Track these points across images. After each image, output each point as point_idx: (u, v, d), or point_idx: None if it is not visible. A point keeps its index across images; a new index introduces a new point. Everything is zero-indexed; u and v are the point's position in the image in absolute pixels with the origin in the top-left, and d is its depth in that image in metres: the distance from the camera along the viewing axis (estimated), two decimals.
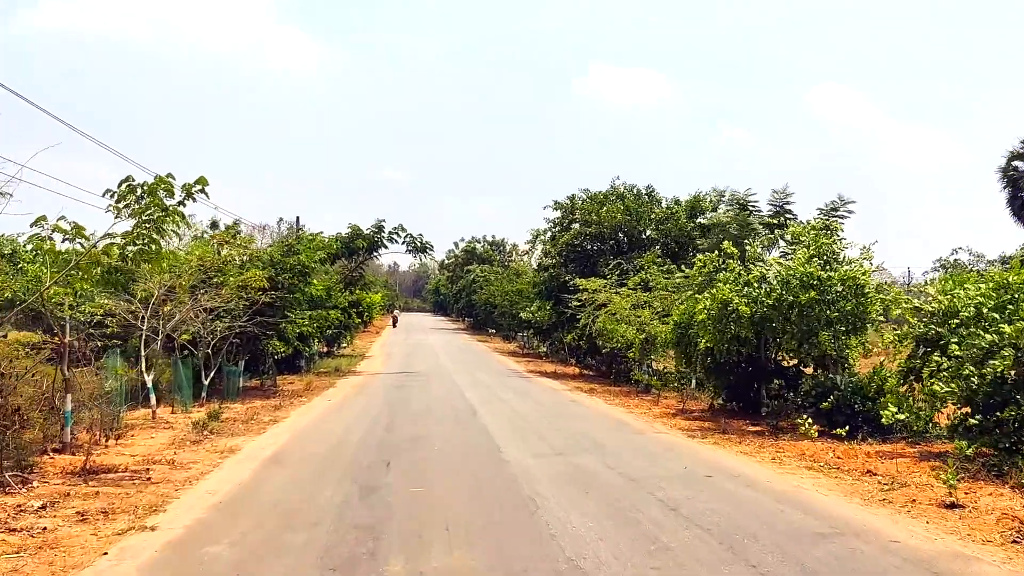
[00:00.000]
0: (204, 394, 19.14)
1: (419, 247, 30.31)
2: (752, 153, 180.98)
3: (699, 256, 18.59)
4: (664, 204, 31.49)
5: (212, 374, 19.74)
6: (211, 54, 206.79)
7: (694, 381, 23.28)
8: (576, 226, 31.13)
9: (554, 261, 31.00)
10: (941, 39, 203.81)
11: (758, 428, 16.36)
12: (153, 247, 10.46)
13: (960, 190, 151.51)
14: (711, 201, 30.26)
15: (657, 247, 29.93)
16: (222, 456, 11.79)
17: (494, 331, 64.06)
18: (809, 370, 18.81)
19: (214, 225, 29.20)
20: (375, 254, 30.49)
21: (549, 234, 32.50)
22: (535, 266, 46.68)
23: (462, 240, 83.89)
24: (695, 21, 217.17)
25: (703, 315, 15.71)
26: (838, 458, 12.83)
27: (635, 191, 31.74)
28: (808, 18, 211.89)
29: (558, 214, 32.23)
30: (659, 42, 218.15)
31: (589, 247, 31.59)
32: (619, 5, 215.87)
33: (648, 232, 30.13)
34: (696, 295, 18.28)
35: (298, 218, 30.65)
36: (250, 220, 59.54)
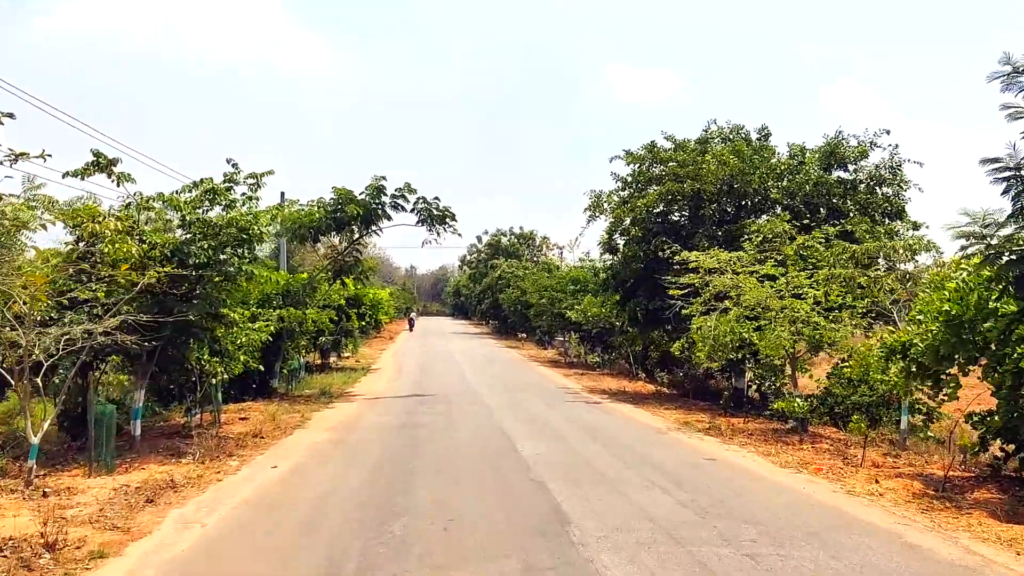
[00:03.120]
0: (32, 463, 10.07)
1: (436, 216, 21.17)
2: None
3: None
4: (785, 153, 22.11)
5: (54, 414, 10.65)
6: (223, 57, 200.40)
7: (905, 419, 13.93)
8: (655, 188, 21.83)
9: (631, 234, 21.63)
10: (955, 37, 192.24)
11: None
12: None
13: None
14: (859, 146, 20.85)
15: (778, 210, 20.60)
16: None
17: (524, 335, 54.81)
18: None
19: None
20: (374, 228, 21.38)
21: (616, 198, 23.19)
22: (585, 252, 37.30)
23: (485, 233, 74.61)
24: (712, 19, 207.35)
25: None
26: None
27: (743, 133, 22.35)
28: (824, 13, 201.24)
29: (631, 169, 22.90)
30: (676, 41, 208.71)
31: (677, 216, 22.25)
32: (636, 5, 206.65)
33: (767, 191, 20.72)
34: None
35: (283, 193, 21.64)
36: None
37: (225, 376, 15.39)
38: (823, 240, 15.46)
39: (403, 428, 14.90)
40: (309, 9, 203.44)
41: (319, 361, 31.57)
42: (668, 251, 18.00)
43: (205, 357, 14.37)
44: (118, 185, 11.36)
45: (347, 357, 36.55)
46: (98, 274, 11.53)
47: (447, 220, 21.47)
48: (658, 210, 22.01)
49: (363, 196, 20.88)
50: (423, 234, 21.67)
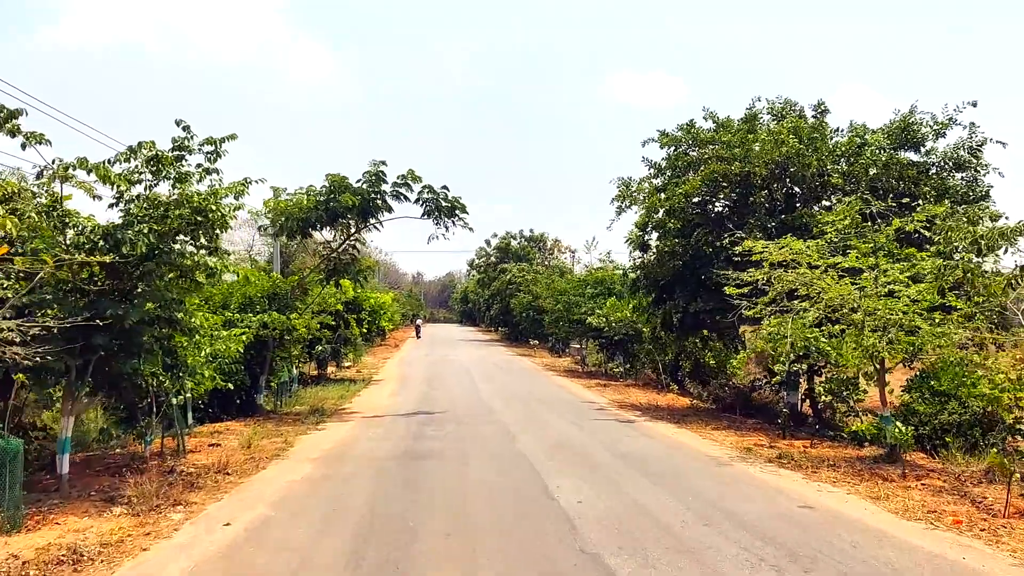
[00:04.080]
0: None
1: (444, 208, 18.38)
2: None
3: None
4: (845, 132, 19.22)
5: None
6: (225, 64, 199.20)
7: None
8: (695, 173, 18.96)
9: (668, 227, 18.78)
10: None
11: None
12: None
13: None
14: (937, 123, 17.95)
15: (835, 196, 17.78)
16: None
17: (536, 342, 51.90)
18: None
19: None
20: (373, 222, 18.60)
21: (648, 186, 20.32)
22: (604, 252, 34.50)
23: (494, 236, 71.78)
24: (713, 25, 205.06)
25: None
26: None
27: (796, 109, 19.45)
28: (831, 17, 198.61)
29: (665, 153, 20.06)
30: (677, 47, 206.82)
31: (720, 205, 19.38)
32: (638, 10, 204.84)
33: (827, 175, 17.83)
34: None
35: (275, 189, 18.86)
36: None
37: (188, 395, 12.60)
38: (925, 223, 12.52)
39: (404, 459, 12.04)
40: (310, 14, 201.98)
41: (316, 372, 28.81)
42: (726, 240, 15.06)
43: (160, 372, 11.60)
44: (24, 148, 8.60)
45: (347, 367, 33.79)
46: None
47: (456, 212, 18.69)
48: (697, 199, 19.15)
49: (360, 184, 18.14)
50: (429, 229, 18.89)
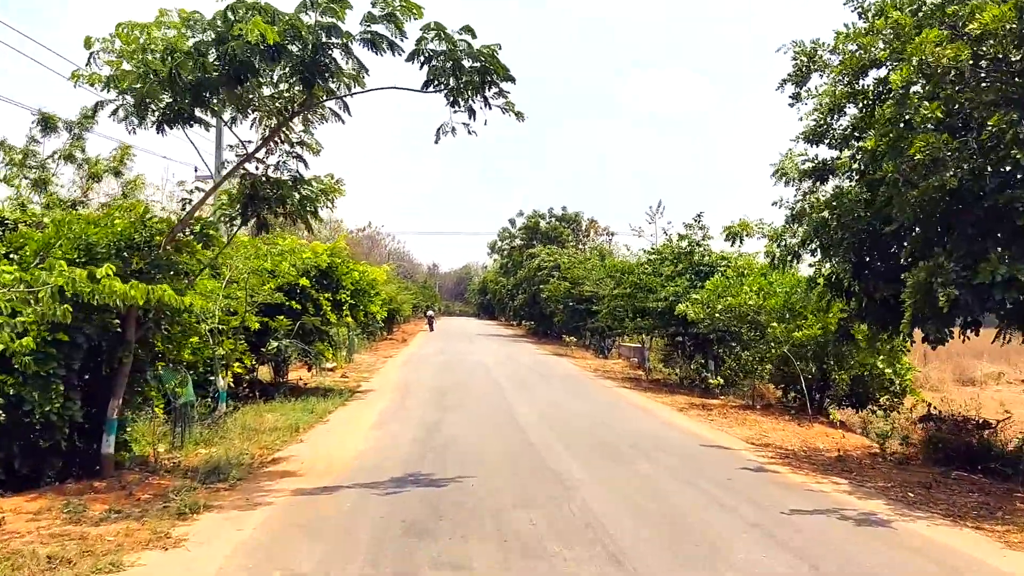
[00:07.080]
0: None
1: (469, 72, 8.98)
2: None
3: None
4: None
5: None
6: None
7: None
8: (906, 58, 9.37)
9: (922, 114, 9.20)
10: None
11: None
12: None
13: None
14: None
15: None
16: None
17: (573, 339, 42.30)
18: None
19: None
20: (324, 99, 9.24)
21: (836, 63, 10.78)
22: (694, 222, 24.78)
23: (520, 215, 62.05)
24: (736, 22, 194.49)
25: None
26: None
27: None
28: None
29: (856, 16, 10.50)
30: (699, 45, 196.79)
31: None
32: (658, 9, 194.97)
33: None
34: None
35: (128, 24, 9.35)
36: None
37: None
38: None
39: None
40: None
41: (273, 379, 19.51)
42: None
43: None
44: None
45: (329, 369, 24.52)
46: None
47: (492, 79, 9.19)
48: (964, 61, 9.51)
49: (297, 15, 8.70)
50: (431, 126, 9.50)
